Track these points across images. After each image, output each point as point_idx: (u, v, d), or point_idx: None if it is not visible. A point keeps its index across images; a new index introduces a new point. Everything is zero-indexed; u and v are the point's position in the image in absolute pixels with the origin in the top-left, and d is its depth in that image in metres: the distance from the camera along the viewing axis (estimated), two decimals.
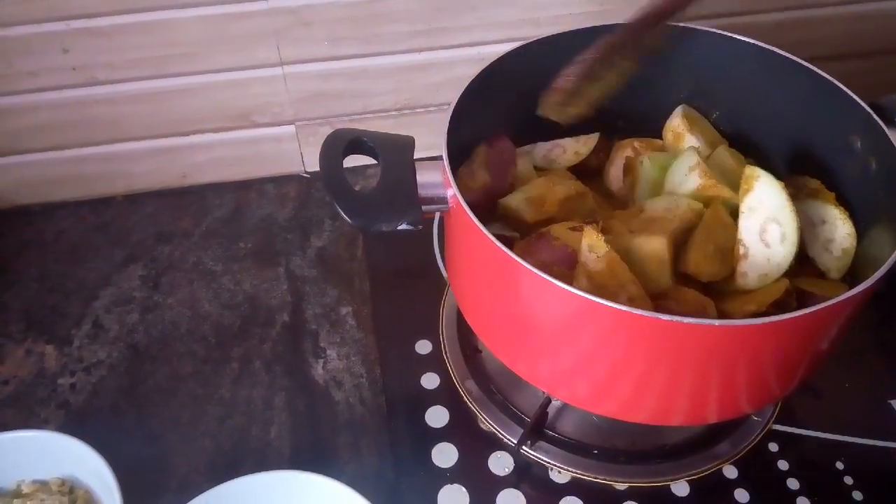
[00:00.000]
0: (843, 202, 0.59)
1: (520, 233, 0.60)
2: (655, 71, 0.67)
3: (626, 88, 0.67)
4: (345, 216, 0.52)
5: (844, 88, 0.57)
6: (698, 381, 0.51)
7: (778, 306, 0.53)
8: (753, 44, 0.62)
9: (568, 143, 0.68)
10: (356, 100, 0.83)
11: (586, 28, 0.63)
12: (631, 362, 0.50)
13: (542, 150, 0.68)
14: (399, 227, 0.54)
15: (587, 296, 0.45)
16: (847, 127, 0.58)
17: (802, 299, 0.54)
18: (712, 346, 0.47)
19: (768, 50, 0.62)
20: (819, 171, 0.62)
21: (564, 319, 0.50)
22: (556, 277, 0.46)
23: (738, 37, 0.63)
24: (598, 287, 0.51)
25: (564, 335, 0.51)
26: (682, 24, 0.64)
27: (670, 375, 0.50)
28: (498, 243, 0.48)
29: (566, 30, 0.63)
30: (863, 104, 0.56)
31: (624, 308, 0.44)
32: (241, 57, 0.77)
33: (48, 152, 0.81)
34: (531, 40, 0.62)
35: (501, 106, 0.65)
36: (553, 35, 0.63)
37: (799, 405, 0.66)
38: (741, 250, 0.55)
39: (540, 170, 0.67)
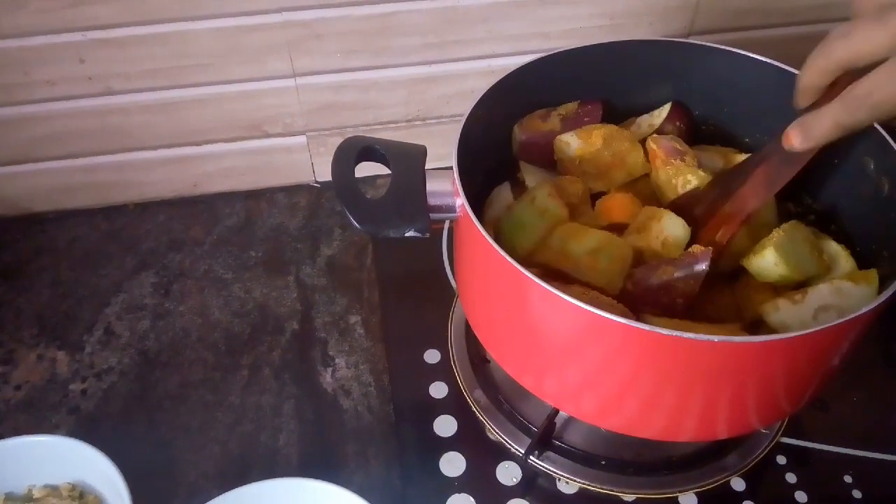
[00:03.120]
0: (855, 224, 0.60)
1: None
2: (667, 88, 0.68)
3: (639, 104, 0.68)
4: (353, 221, 0.53)
5: None
6: (707, 398, 0.51)
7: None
8: (766, 61, 0.62)
9: (643, 118, 0.68)
10: (367, 111, 0.84)
11: (599, 44, 0.64)
12: (639, 378, 0.50)
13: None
14: (407, 234, 0.54)
15: (596, 311, 0.45)
16: (860, 148, 0.58)
17: None
18: (723, 362, 0.47)
19: (781, 68, 0.62)
20: (830, 191, 0.62)
21: (572, 333, 0.50)
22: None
23: (751, 54, 0.63)
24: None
25: (572, 349, 0.51)
26: (692, 41, 0.65)
27: (679, 392, 0.50)
28: (503, 253, 0.48)
29: (576, 44, 0.63)
30: (877, 126, 0.56)
31: (632, 323, 0.45)
32: (254, 68, 0.78)
33: (62, 161, 0.82)
34: (544, 54, 0.62)
35: (513, 118, 0.66)
36: (566, 50, 0.63)
37: (807, 418, 0.66)
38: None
39: None
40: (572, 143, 0.62)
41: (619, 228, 0.60)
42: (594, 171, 0.63)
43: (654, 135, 0.65)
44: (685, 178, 0.60)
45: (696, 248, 0.55)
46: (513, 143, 0.66)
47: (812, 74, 0.46)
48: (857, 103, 0.43)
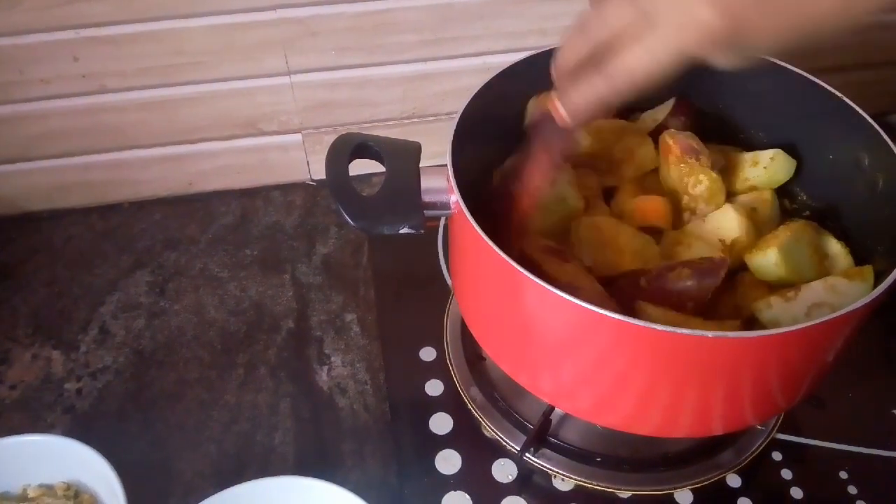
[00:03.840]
0: (850, 220, 0.60)
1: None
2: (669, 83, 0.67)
3: (642, 99, 0.67)
4: (347, 218, 0.53)
5: (853, 105, 0.57)
6: (702, 393, 0.51)
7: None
8: (766, 58, 0.62)
9: (647, 113, 0.68)
10: (362, 109, 0.84)
11: None
12: (634, 375, 0.50)
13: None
14: (401, 231, 0.54)
15: (591, 307, 0.45)
16: (855, 144, 0.58)
17: None
18: (717, 358, 0.47)
19: (776, 64, 0.61)
20: (825, 186, 0.62)
21: (567, 330, 0.50)
22: None
23: None
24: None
25: (567, 346, 0.51)
26: None
27: (674, 388, 0.50)
28: (497, 249, 0.48)
29: None
30: (871, 121, 0.56)
31: (627, 319, 0.45)
32: (249, 66, 0.78)
33: (57, 159, 0.82)
34: (538, 51, 0.62)
35: (508, 115, 0.66)
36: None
37: (802, 414, 0.66)
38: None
39: None
40: (581, 138, 0.62)
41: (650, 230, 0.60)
42: (604, 166, 0.63)
43: (672, 130, 0.63)
44: (697, 177, 0.60)
45: (714, 254, 0.55)
46: (525, 118, 0.65)
47: (571, 54, 0.47)
48: (619, 80, 0.44)
